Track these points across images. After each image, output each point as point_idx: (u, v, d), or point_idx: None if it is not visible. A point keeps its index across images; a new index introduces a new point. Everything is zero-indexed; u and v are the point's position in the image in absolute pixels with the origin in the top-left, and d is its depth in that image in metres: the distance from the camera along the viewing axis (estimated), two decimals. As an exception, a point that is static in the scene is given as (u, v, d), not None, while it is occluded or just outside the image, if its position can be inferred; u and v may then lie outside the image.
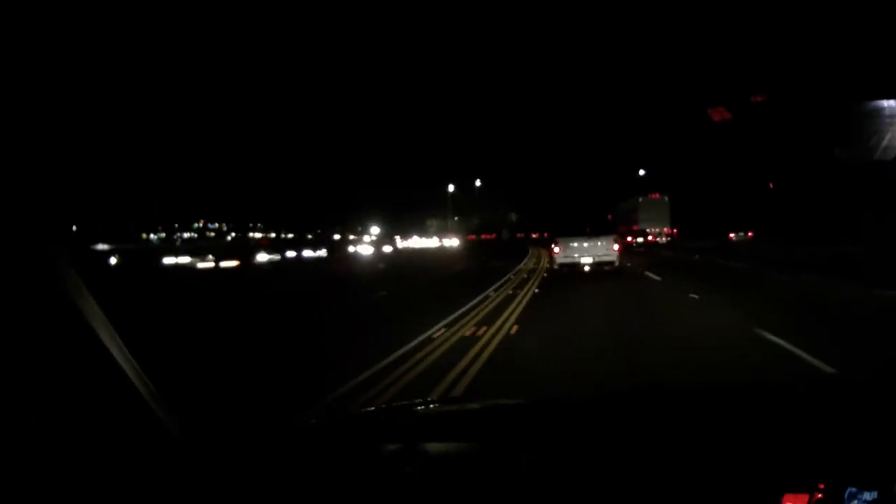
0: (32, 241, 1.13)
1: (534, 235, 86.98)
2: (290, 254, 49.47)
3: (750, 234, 50.18)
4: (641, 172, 60.47)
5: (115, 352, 1.18)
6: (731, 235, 49.23)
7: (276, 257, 45.54)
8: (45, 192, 1.25)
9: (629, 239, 56.33)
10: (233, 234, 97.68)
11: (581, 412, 1.78)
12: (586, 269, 20.90)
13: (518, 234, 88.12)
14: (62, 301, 1.13)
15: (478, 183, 73.96)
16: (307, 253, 52.77)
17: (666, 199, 56.83)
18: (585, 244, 21.32)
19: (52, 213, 1.25)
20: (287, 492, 1.27)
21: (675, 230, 55.58)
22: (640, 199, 57.43)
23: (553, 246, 22.89)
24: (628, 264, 23.60)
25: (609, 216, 34.55)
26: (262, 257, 44.06)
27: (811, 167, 28.79)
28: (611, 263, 21.06)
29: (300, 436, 1.60)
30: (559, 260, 21.51)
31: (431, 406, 2.32)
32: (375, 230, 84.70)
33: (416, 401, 2.82)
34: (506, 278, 20.27)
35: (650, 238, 55.70)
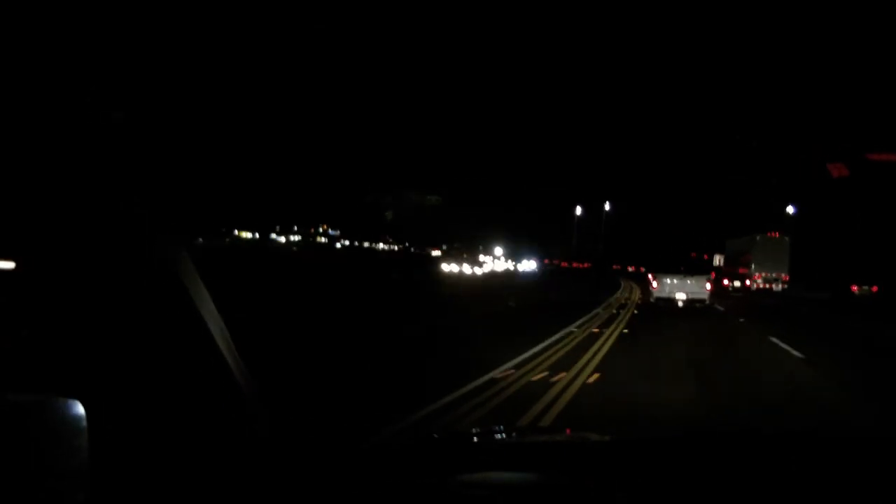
0: (151, 226, 1.15)
1: (630, 269, 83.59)
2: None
3: (874, 287, 45.81)
4: (790, 210, 54.14)
5: (220, 343, 1.19)
6: (854, 287, 44.21)
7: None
8: (159, 184, 1.24)
9: (725, 282, 52.03)
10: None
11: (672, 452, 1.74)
12: (680, 304, 22.90)
13: (614, 266, 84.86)
14: (174, 286, 1.15)
15: (607, 207, 71.18)
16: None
17: (787, 240, 51.91)
18: (679, 281, 23.43)
19: (168, 203, 1.24)
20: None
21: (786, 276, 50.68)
22: (758, 238, 52.30)
23: (651, 281, 24.81)
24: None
25: (704, 255, 35.84)
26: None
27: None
28: (702, 301, 23.04)
29: (375, 455, 1.59)
30: (656, 294, 23.86)
31: (513, 434, 2.26)
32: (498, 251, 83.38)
33: (498, 427, 2.80)
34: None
35: (747, 283, 50.56)
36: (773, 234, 51.38)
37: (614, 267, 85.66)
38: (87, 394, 0.92)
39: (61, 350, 1.12)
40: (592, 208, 73.84)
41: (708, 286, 23.59)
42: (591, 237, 77.60)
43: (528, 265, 74.66)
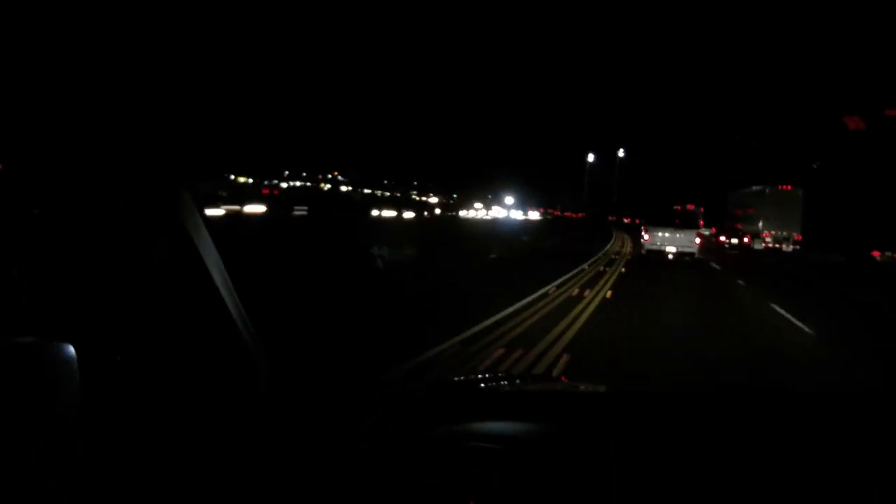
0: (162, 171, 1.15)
1: (625, 220, 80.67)
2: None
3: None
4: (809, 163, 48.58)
5: (224, 293, 1.19)
6: (876, 253, 38.21)
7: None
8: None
9: (722, 239, 48.08)
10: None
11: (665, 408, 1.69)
12: (669, 257, 23.66)
13: (610, 217, 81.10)
14: (178, 233, 1.14)
15: (621, 153, 66.66)
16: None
17: (800, 193, 45.48)
18: (670, 235, 24.03)
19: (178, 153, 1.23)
20: (354, 462, 1.29)
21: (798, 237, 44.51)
22: (767, 190, 45.74)
23: (642, 233, 25.41)
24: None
25: (702, 208, 36.46)
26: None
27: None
28: (691, 255, 23.71)
29: (378, 404, 1.57)
30: (647, 246, 24.41)
31: (512, 383, 2.22)
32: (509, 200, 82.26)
33: (499, 375, 2.85)
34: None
35: (746, 240, 44.82)
36: (784, 187, 44.80)
37: (609, 218, 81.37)
38: (83, 339, 0.94)
39: (57, 293, 1.10)
40: (604, 157, 71.59)
41: (697, 240, 24.32)
42: (600, 188, 75.56)
43: (514, 215, 70.34)
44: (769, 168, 50.61)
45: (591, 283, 14.14)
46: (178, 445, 1.12)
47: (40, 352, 0.87)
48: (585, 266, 18.58)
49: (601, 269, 18.47)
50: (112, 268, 1.13)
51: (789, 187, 44.42)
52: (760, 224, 44.48)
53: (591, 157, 69.96)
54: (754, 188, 47.46)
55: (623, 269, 18.86)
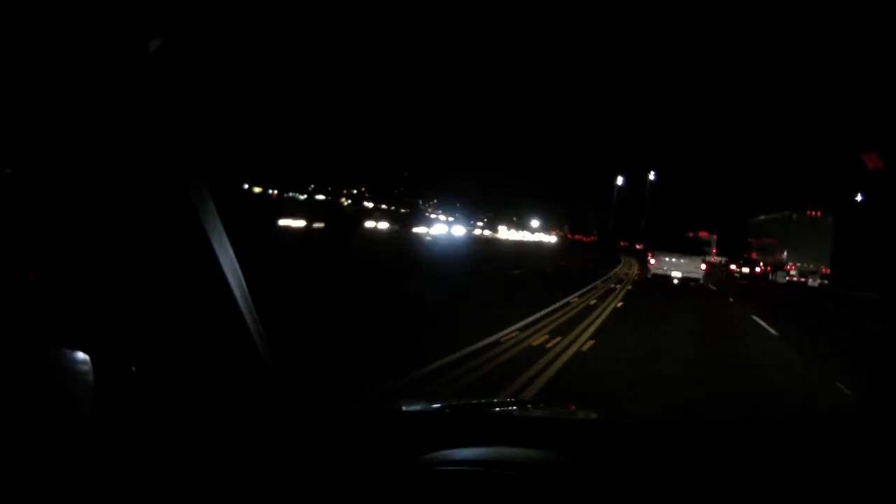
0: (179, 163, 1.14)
1: (638, 246, 76.86)
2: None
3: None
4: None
5: (237, 292, 1.18)
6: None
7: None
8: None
9: (732, 268, 46.31)
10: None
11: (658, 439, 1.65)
12: (675, 281, 24.02)
13: (622, 242, 79.38)
14: (194, 229, 1.13)
15: (651, 177, 64.15)
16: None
17: (830, 220, 39.64)
18: (677, 260, 24.42)
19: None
20: (326, 474, 1.27)
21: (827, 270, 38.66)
22: (794, 217, 39.92)
23: (649, 257, 25.90)
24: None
25: (714, 235, 40.60)
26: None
27: None
28: (696, 280, 24.06)
29: (349, 422, 1.52)
30: (653, 270, 24.89)
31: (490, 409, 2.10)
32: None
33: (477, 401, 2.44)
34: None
35: (758, 269, 40.74)
36: (813, 213, 38.89)
37: (621, 244, 78.00)
38: (93, 342, 0.96)
39: (66, 295, 1.07)
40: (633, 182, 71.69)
41: (703, 266, 24.72)
42: (625, 212, 75.79)
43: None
44: (793, 193, 44.96)
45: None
46: (182, 446, 1.11)
47: (51, 357, 0.88)
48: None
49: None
50: (121, 267, 1.10)
51: (818, 213, 38.57)
52: (784, 254, 38.64)
53: (620, 181, 69.12)
54: (776, 214, 41.63)
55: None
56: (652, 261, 25.10)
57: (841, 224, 38.88)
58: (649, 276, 24.99)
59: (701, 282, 24.04)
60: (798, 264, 37.94)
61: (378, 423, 1.54)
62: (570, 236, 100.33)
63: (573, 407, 2.33)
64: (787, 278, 37.95)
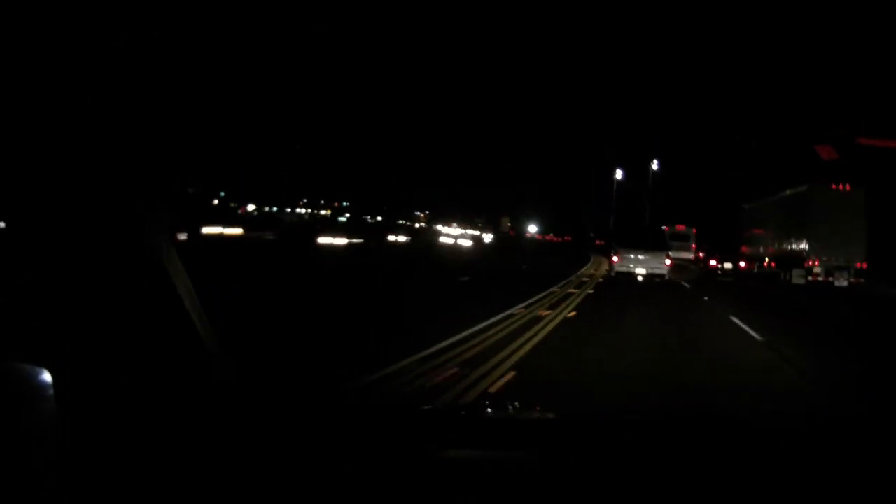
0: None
1: (598, 243, 72.05)
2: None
3: None
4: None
5: (183, 294, 1.20)
6: None
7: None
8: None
9: (713, 263, 41.78)
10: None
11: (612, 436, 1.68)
12: (640, 279, 23.24)
13: (598, 241, 71.59)
14: (141, 241, 1.16)
15: (655, 166, 62.71)
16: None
17: (862, 194, 29.02)
18: (641, 256, 23.54)
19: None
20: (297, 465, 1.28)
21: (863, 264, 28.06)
22: (814, 191, 28.41)
23: (612, 255, 25.14)
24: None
25: (693, 229, 46.26)
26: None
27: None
28: (661, 276, 23.33)
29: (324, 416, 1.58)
30: (616, 268, 24.13)
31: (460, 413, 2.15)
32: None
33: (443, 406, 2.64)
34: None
35: (742, 264, 34.18)
36: (838, 186, 28.21)
37: (598, 242, 70.02)
38: (52, 355, 0.96)
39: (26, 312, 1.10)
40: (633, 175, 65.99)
41: (667, 261, 23.79)
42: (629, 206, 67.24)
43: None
44: (797, 167, 34.62)
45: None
46: (144, 443, 1.12)
47: (11, 374, 0.87)
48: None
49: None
50: (76, 278, 1.10)
51: (847, 187, 27.94)
52: (804, 245, 27.94)
53: (619, 174, 64.31)
54: (789, 191, 30.96)
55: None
56: (615, 258, 24.39)
57: (875, 201, 28.30)
58: (613, 274, 24.36)
59: (666, 277, 23.61)
60: (823, 258, 27.29)
61: (341, 422, 1.55)
62: (511, 233, 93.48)
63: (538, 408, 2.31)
64: (810, 277, 27.30)
